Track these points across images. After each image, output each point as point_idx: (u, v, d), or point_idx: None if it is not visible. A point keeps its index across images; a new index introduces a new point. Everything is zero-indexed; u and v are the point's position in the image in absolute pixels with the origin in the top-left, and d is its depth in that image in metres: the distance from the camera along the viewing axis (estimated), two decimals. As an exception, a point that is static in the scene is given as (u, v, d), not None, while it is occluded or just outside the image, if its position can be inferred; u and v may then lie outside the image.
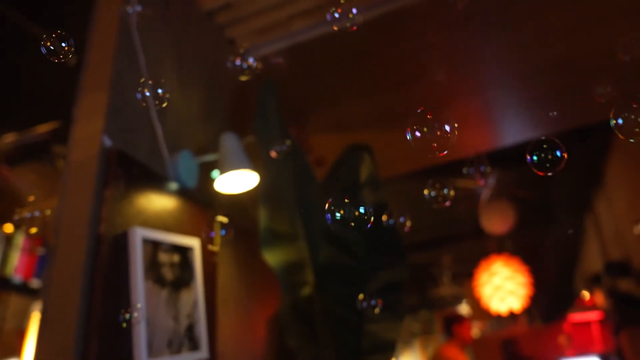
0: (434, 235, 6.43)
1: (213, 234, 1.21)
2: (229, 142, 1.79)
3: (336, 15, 1.01)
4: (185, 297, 1.59)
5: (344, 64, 2.71)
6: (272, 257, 1.89)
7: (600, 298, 5.89)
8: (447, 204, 1.17)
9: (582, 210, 6.32)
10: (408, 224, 1.32)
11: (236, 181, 1.82)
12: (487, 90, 3.04)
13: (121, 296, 1.37)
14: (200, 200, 1.86)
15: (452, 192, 1.16)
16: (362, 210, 0.82)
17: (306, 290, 1.91)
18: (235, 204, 2.09)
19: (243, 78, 1.38)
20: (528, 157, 0.84)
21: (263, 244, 1.89)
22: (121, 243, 1.41)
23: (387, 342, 1.68)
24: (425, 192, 1.16)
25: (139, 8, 1.57)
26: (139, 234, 1.43)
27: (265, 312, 2.24)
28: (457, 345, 4.18)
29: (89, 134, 1.53)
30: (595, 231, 6.19)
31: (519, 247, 5.88)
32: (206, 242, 1.18)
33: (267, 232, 1.88)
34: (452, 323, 4.26)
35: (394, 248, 1.69)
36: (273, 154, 1.57)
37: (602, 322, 5.92)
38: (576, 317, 6.09)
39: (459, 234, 6.13)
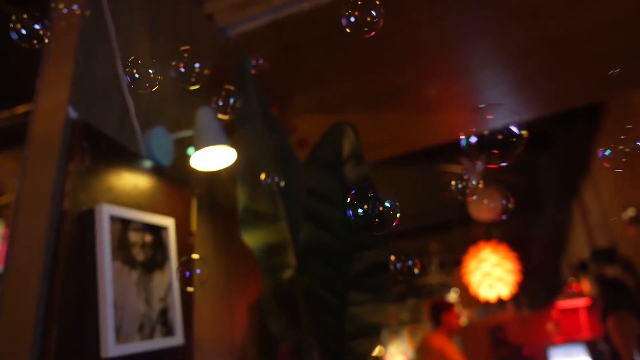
0: (422, 223, 6.39)
1: (188, 273, 1.13)
2: (205, 116, 1.70)
3: (352, 19, 0.86)
4: (158, 279, 1.50)
5: (329, 40, 2.61)
6: (252, 238, 1.81)
7: (586, 285, 5.90)
8: (474, 197, 1.06)
9: (569, 197, 6.31)
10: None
11: (213, 158, 1.73)
12: (475, 69, 2.96)
13: (86, 277, 1.27)
14: (176, 179, 1.76)
15: (480, 184, 1.06)
16: (387, 205, 0.73)
17: (288, 273, 1.83)
18: (213, 182, 2.00)
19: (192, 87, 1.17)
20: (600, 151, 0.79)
21: (242, 224, 1.80)
22: (87, 220, 1.32)
23: (371, 326, 1.60)
24: (453, 183, 1.05)
25: (75, 7, 1.43)
26: (106, 211, 1.34)
27: (247, 297, 2.15)
28: (444, 333, 4.13)
29: (53, 105, 1.42)
30: (581, 218, 6.19)
31: (506, 234, 5.86)
32: (183, 283, 1.10)
33: (246, 212, 1.80)
34: (440, 311, 4.20)
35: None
36: (262, 176, 1.48)
37: (589, 309, 5.94)
38: (563, 304, 6.10)
39: (447, 221, 6.10)
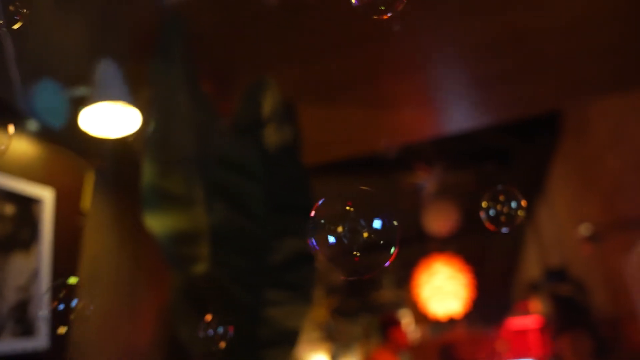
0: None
1: (63, 305, 0.85)
2: (106, 69, 1.40)
3: None
4: (19, 262, 1.18)
5: (280, 16, 2.34)
6: (157, 223, 1.50)
7: (537, 305, 5.83)
8: (508, 229, 0.77)
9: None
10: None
11: (113, 120, 1.42)
12: (431, 65, 2.75)
13: None
14: (67, 145, 1.44)
15: (521, 212, 0.77)
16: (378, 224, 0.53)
17: (201, 267, 1.53)
18: (122, 154, 1.67)
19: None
20: None
21: (146, 205, 1.49)
22: None
23: (288, 332, 1.32)
24: (483, 205, 0.76)
25: None
26: (-60, 166, 1.01)
27: (158, 295, 1.83)
28: (391, 349, 3.93)
29: None
30: (534, 238, 6.15)
31: (461, 250, 5.73)
32: (56, 319, 0.82)
33: (152, 191, 1.49)
34: (386, 327, 4.02)
35: (302, 204, 1.31)
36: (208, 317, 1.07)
37: (540, 328, 5.86)
38: (514, 322, 6.00)
39: (403, 236, 5.90)
